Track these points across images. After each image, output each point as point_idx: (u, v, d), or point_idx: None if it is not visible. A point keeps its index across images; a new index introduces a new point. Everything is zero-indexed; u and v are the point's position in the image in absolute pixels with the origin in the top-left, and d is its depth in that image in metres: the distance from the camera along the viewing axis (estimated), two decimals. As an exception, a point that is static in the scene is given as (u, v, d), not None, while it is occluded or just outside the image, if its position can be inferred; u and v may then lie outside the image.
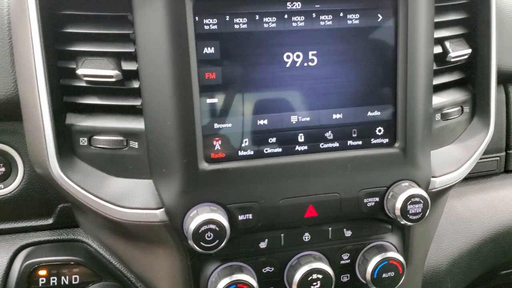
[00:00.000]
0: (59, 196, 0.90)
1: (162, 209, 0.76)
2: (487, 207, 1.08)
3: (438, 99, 0.90)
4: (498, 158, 1.13)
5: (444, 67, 0.90)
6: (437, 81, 0.89)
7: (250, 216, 0.77)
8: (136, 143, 0.78)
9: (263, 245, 0.82)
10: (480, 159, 0.96)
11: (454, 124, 0.95)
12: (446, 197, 0.99)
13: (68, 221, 0.93)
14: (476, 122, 0.96)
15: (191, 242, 0.72)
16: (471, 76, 0.96)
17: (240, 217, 0.77)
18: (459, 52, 0.90)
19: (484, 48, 0.92)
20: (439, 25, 0.87)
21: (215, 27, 0.72)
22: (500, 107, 1.11)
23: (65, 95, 0.77)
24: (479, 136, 0.94)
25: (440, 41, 0.89)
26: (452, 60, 0.89)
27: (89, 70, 0.74)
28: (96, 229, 0.89)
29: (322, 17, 0.76)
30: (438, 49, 0.88)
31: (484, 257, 1.07)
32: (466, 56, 0.91)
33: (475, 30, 0.93)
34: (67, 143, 0.78)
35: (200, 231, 0.72)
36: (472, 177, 1.11)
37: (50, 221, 0.93)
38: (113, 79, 0.74)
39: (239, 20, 0.73)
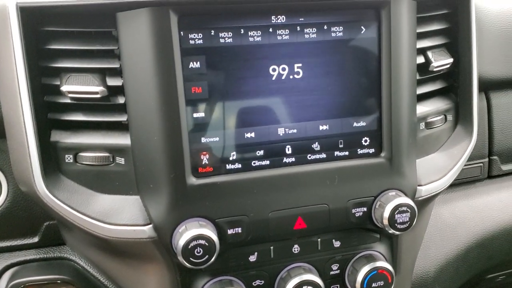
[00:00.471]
0: (45, 214, 0.89)
1: (150, 225, 0.75)
2: (472, 213, 1.10)
3: (422, 108, 0.91)
4: (481, 164, 1.14)
5: (427, 77, 0.92)
6: (421, 90, 0.90)
7: (239, 230, 0.77)
8: (123, 159, 0.77)
9: (252, 258, 0.82)
10: (464, 165, 0.98)
11: (438, 133, 0.96)
12: (432, 204, 1.00)
13: (54, 239, 0.92)
14: (459, 130, 0.98)
15: (180, 258, 0.72)
16: (453, 85, 0.97)
17: (230, 231, 0.77)
18: (441, 61, 0.91)
19: (466, 57, 0.94)
20: (421, 36, 0.88)
21: (200, 41, 0.72)
22: (482, 114, 1.12)
23: (49, 112, 0.77)
24: (463, 144, 0.96)
25: (422, 51, 0.90)
26: (435, 69, 0.90)
27: (73, 87, 0.74)
28: (83, 246, 0.88)
29: (306, 30, 0.77)
30: (420, 59, 0.89)
31: (470, 263, 1.08)
32: (448, 66, 0.93)
33: (456, 39, 0.94)
34: (52, 160, 0.77)
35: (189, 246, 0.71)
36: (457, 184, 1.13)
37: (35, 239, 0.91)
38: (98, 95, 0.74)
39: (224, 34, 0.73)
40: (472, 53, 0.93)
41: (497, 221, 1.10)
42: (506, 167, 1.17)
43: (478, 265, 1.10)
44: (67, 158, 0.77)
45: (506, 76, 1.10)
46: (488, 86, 1.10)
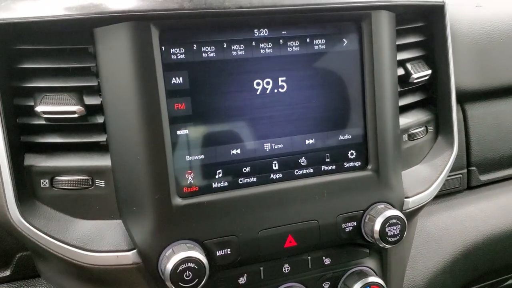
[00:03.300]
0: (17, 244, 0.83)
1: (135, 251, 0.71)
2: (455, 224, 1.10)
3: (403, 120, 0.91)
4: (460, 175, 1.15)
5: (407, 89, 0.92)
6: (402, 102, 0.90)
7: (228, 251, 0.74)
8: (103, 181, 0.73)
9: (242, 280, 0.78)
10: (445, 177, 0.98)
11: (421, 144, 0.96)
12: (418, 217, 0.99)
13: (28, 271, 0.86)
14: (440, 141, 0.98)
15: (168, 283, 0.68)
16: (432, 96, 0.98)
17: (218, 253, 0.73)
18: (420, 73, 0.92)
19: (443, 68, 0.95)
20: (400, 48, 0.88)
21: (182, 56, 0.70)
22: (459, 125, 1.14)
23: (22, 134, 0.72)
24: (445, 154, 0.96)
25: (401, 63, 0.90)
26: (415, 81, 0.91)
27: (48, 107, 0.70)
28: (61, 277, 0.82)
29: (289, 43, 0.76)
30: (400, 71, 0.90)
31: (456, 274, 1.08)
32: (427, 77, 0.94)
33: (433, 51, 0.95)
34: (27, 186, 0.72)
35: (178, 271, 0.67)
36: (439, 196, 1.13)
37: (7, 272, 0.85)
38: (75, 115, 0.70)
39: (207, 49, 0.71)
40: (449, 65, 0.94)
41: (480, 231, 1.10)
42: (484, 178, 1.18)
43: (464, 276, 1.10)
44: (42, 183, 0.73)
45: (479, 87, 1.12)
46: (463, 98, 1.12)
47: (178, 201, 0.71)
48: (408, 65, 0.91)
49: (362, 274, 0.84)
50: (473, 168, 1.16)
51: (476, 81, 1.11)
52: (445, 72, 0.95)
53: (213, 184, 0.74)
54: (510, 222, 1.15)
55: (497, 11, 1.16)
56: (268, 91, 0.75)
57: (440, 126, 0.98)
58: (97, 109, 0.72)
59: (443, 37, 0.94)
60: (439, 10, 0.92)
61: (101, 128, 0.72)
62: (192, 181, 0.73)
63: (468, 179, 1.16)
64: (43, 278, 0.87)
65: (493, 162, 1.18)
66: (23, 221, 0.70)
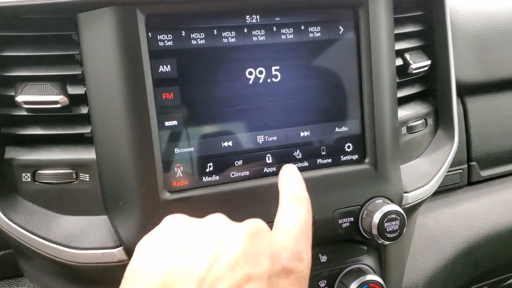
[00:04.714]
0: (-1, 242, 0.80)
1: (121, 248, 0.68)
2: (456, 221, 1.07)
3: (402, 112, 0.88)
4: (461, 170, 1.12)
5: (406, 80, 0.89)
6: (400, 93, 0.87)
7: (219, 247, 0.70)
8: (87, 175, 0.70)
9: (234, 278, 0.75)
10: (445, 172, 0.95)
11: (420, 137, 0.93)
12: (417, 213, 0.96)
13: (10, 271, 0.82)
14: (440, 134, 0.95)
15: (156, 281, 0.64)
16: (431, 88, 0.95)
17: (209, 250, 0.70)
18: (419, 63, 0.89)
19: (442, 59, 0.92)
20: (398, 37, 0.86)
21: (170, 43, 0.67)
22: (459, 119, 1.10)
23: (3, 126, 0.69)
24: (445, 148, 0.93)
25: (400, 53, 0.87)
26: (414, 72, 0.88)
27: (30, 97, 0.67)
28: (45, 276, 0.79)
29: (283, 31, 0.72)
30: (399, 61, 0.87)
31: (457, 272, 1.05)
32: (426, 68, 0.91)
33: (432, 42, 0.92)
34: (7, 180, 0.69)
35: (166, 268, 0.64)
36: (438, 192, 1.10)
37: (-12, 272, 0.82)
38: (58, 105, 0.67)
39: (196, 36, 0.68)
40: (448, 55, 0.91)
41: (481, 228, 1.07)
42: (485, 173, 1.15)
43: (465, 275, 1.07)
44: (24, 177, 0.69)
45: (480, 80, 1.09)
46: (463, 91, 1.09)
47: (166, 195, 0.68)
48: (407, 55, 0.88)
49: (360, 272, 0.81)
50: (474, 163, 1.13)
51: (476, 74, 1.08)
52: (445, 63, 0.92)
53: (203, 177, 0.71)
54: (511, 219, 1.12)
55: (497, 2, 1.13)
56: (261, 81, 0.72)
57: (440, 118, 0.95)
58: (81, 99, 0.68)
59: (442, 27, 0.91)
60: (439, -1, 0.89)
61: (85, 119, 0.69)
62: (181, 175, 0.69)
63: (468, 174, 1.13)
64: (26, 277, 0.83)
65: (494, 157, 1.15)
66: (3, 217, 0.67)
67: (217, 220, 0.54)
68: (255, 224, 0.54)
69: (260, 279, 0.48)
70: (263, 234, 0.53)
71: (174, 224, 0.54)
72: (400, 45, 0.87)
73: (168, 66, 0.67)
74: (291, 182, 0.65)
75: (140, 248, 0.52)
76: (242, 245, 0.50)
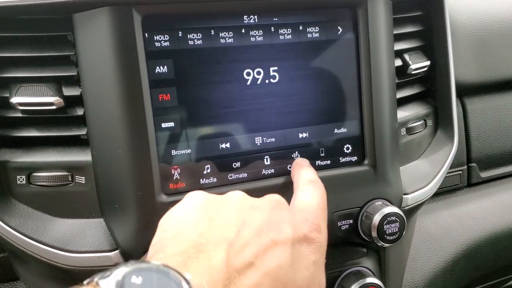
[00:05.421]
0: (-6, 246, 0.79)
1: (117, 251, 0.67)
2: (456, 222, 1.06)
3: (401, 113, 0.87)
4: (460, 172, 1.11)
5: (405, 80, 0.88)
6: (399, 94, 0.87)
7: (217, 250, 0.69)
8: (83, 177, 0.69)
9: (232, 282, 0.74)
10: (444, 173, 0.94)
11: (419, 138, 0.92)
12: (417, 215, 0.95)
13: (5, 274, 0.81)
14: (440, 136, 0.94)
15: (153, 285, 0.63)
16: (431, 89, 0.94)
17: (206, 253, 0.69)
18: (419, 64, 0.88)
19: (442, 60, 0.91)
20: (397, 38, 0.85)
21: (167, 44, 0.66)
22: (458, 120, 1.10)
23: (-3, 128, 0.68)
24: (445, 149, 0.92)
25: (399, 53, 0.87)
26: (413, 72, 0.87)
27: (25, 98, 0.66)
28: (40, 280, 0.78)
29: (281, 31, 0.72)
30: (398, 62, 0.86)
31: (458, 275, 1.04)
32: (425, 68, 0.90)
33: (431, 42, 0.92)
34: (2, 182, 0.68)
35: (162, 272, 0.63)
36: (438, 193, 1.09)
37: (-17, 276, 0.81)
38: (53, 107, 0.66)
39: (193, 36, 0.67)
40: (448, 56, 0.91)
41: (481, 230, 1.07)
42: (485, 174, 1.14)
43: (465, 277, 1.06)
44: (19, 180, 0.68)
45: (479, 80, 1.08)
46: (463, 91, 1.08)
47: (163, 198, 0.67)
48: (406, 56, 0.87)
49: (360, 275, 0.80)
50: (473, 164, 1.12)
51: (476, 74, 1.07)
52: (444, 63, 0.91)
53: (201, 180, 0.70)
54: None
55: (497, 1, 1.13)
56: (259, 82, 0.71)
57: (440, 119, 0.95)
58: (77, 101, 0.68)
59: (442, 27, 0.90)
60: (438, -1, 0.89)
61: (81, 121, 0.68)
62: (178, 177, 0.69)
63: (468, 175, 1.12)
64: (21, 281, 0.82)
65: (494, 159, 1.14)
66: (-2, 220, 0.66)
67: (239, 194, 0.59)
68: (275, 197, 0.60)
69: (284, 244, 0.53)
70: (283, 206, 0.59)
71: (199, 198, 0.57)
72: (399, 46, 0.86)
73: (165, 67, 0.66)
74: (306, 169, 0.69)
75: (167, 219, 0.55)
76: (265, 215, 0.55)
